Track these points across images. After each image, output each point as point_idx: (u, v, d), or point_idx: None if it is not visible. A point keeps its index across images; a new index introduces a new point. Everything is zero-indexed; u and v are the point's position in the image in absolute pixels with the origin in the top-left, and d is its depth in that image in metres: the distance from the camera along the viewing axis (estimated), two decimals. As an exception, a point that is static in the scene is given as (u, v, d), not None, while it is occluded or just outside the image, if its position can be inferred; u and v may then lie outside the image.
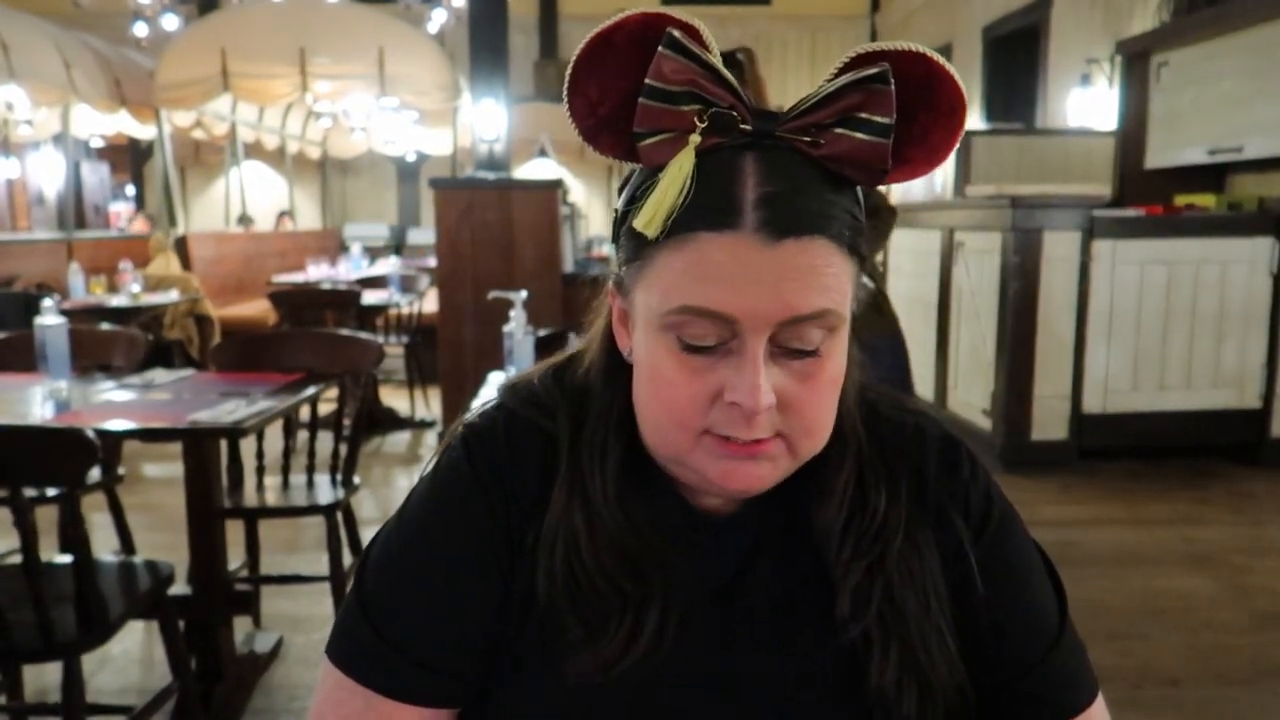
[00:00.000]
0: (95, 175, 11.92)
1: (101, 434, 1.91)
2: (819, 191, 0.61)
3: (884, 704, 0.67)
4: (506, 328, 2.22)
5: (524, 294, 2.24)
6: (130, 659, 2.48)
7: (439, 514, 0.72)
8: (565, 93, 0.64)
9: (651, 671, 0.67)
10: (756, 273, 0.60)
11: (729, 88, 0.61)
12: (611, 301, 0.72)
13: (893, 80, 0.60)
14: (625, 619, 0.67)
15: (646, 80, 0.60)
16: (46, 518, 2.38)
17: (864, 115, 0.60)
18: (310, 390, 2.26)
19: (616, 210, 0.69)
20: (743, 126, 0.61)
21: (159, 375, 2.48)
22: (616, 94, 0.63)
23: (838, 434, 0.70)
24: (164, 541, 2.92)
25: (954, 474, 0.74)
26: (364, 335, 2.78)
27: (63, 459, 1.55)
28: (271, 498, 2.55)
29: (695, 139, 0.61)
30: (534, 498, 0.71)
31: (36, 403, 2.16)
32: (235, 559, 2.53)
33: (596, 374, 0.74)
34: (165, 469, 4.22)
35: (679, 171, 0.60)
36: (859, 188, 0.66)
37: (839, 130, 0.61)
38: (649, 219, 0.61)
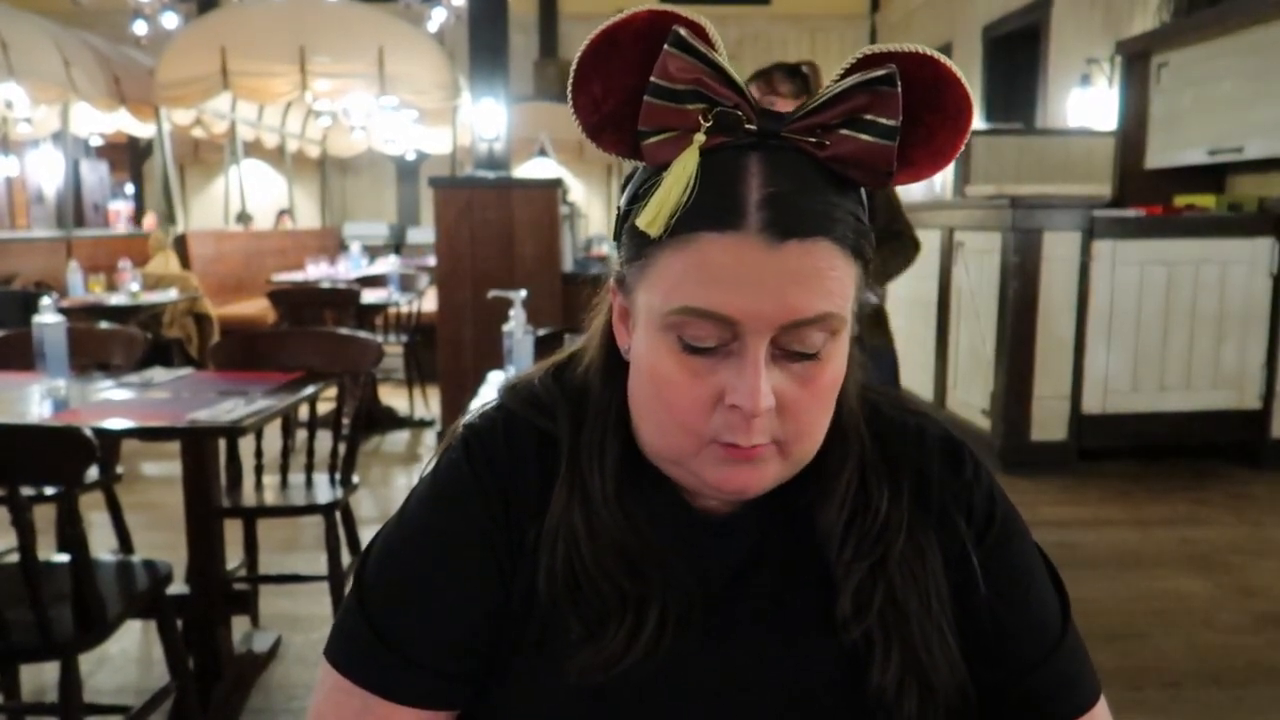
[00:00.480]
0: (95, 173, 11.91)
1: (99, 433, 1.91)
2: (823, 193, 0.61)
3: (884, 704, 0.67)
4: (506, 327, 2.21)
5: (523, 293, 2.23)
6: (128, 658, 2.47)
7: (439, 515, 0.71)
8: (570, 89, 0.63)
9: (652, 671, 0.67)
10: (759, 274, 0.59)
11: (734, 87, 0.60)
12: (612, 299, 0.72)
13: (900, 82, 0.60)
14: (625, 618, 0.67)
15: (652, 78, 0.60)
16: (45, 517, 2.37)
17: (870, 117, 0.60)
18: (309, 389, 2.25)
19: (619, 208, 0.68)
20: (748, 126, 0.61)
21: (158, 374, 2.47)
22: (621, 91, 0.63)
23: (840, 435, 0.70)
24: (163, 541, 2.91)
25: (957, 475, 0.73)
26: (363, 334, 2.77)
27: (60, 458, 1.54)
28: (270, 497, 2.55)
29: (700, 138, 0.60)
30: (534, 498, 0.71)
31: (35, 401, 2.15)
32: (234, 558, 2.53)
33: (595, 372, 0.73)
34: (164, 468, 4.22)
35: (683, 171, 0.60)
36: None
37: (844, 131, 0.60)
38: (652, 218, 0.61)
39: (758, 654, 0.69)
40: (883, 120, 0.60)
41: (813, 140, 0.61)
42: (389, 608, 0.70)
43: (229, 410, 2.01)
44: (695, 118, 0.60)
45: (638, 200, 0.63)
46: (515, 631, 0.70)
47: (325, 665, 0.71)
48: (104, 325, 3.13)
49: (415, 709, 0.69)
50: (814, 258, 0.60)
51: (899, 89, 0.59)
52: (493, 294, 2.38)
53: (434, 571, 0.70)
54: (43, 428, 1.72)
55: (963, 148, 0.64)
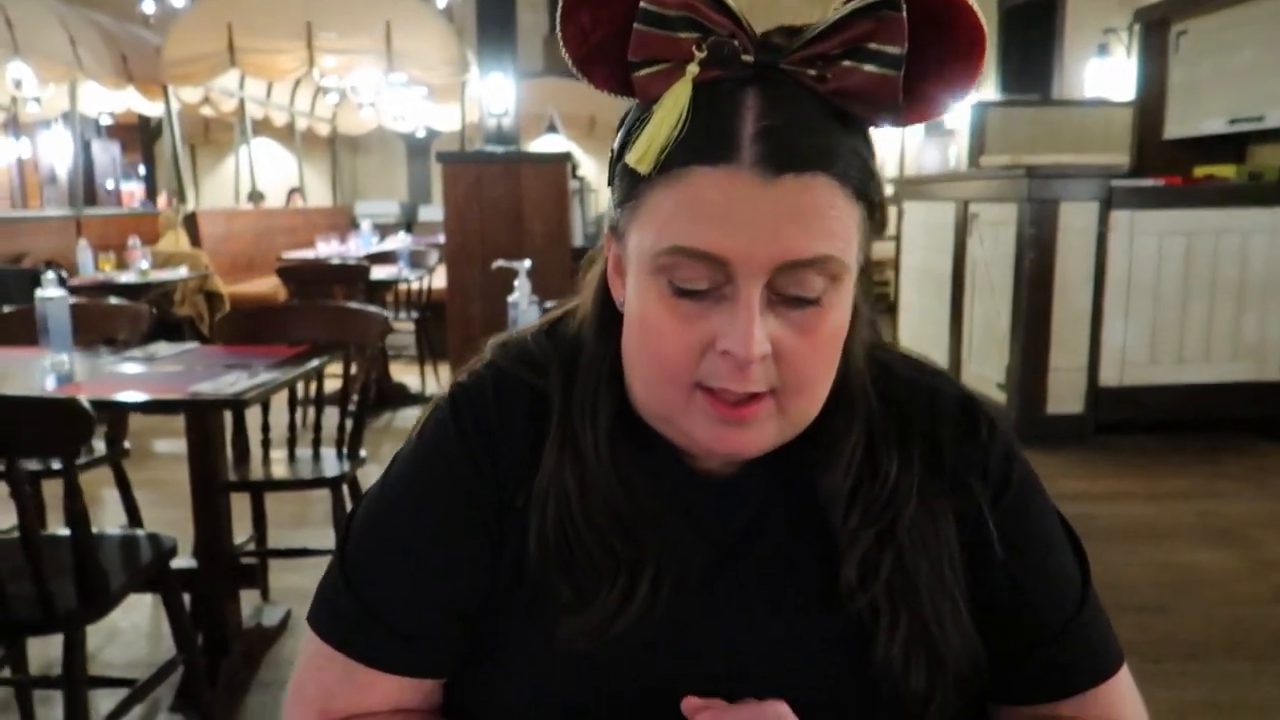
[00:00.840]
0: (106, 154, 11.94)
1: (104, 406, 1.89)
2: (824, 127, 0.57)
3: (891, 676, 0.64)
4: (511, 298, 2.19)
5: (527, 263, 2.20)
6: (139, 633, 2.48)
7: (424, 478, 0.69)
8: (558, 19, 0.60)
9: (645, 638, 0.64)
10: (752, 211, 0.56)
11: (729, 14, 0.57)
12: (607, 249, 0.68)
13: (905, 8, 0.56)
14: (617, 582, 0.64)
15: (641, 4, 0.56)
16: (54, 493, 2.37)
17: (874, 46, 0.56)
18: (314, 362, 2.23)
19: (613, 149, 0.65)
20: (744, 58, 0.57)
21: (162, 348, 2.46)
22: (610, 20, 0.59)
23: (845, 395, 0.67)
24: (172, 517, 2.90)
25: (972, 436, 0.70)
26: (369, 308, 2.74)
27: (58, 429, 1.52)
28: (277, 471, 2.53)
29: (693, 69, 0.57)
30: (525, 457, 0.68)
31: (39, 375, 2.14)
32: (243, 533, 2.52)
33: (589, 327, 0.70)
34: (174, 445, 4.21)
35: (674, 104, 0.57)
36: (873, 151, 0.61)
37: (847, 63, 0.57)
38: (641, 154, 0.57)
39: (758, 622, 0.66)
40: (888, 49, 0.56)
41: (814, 73, 0.57)
42: (372, 573, 0.67)
43: (232, 383, 1.99)
44: (688, 48, 0.57)
45: (630, 137, 0.60)
46: (504, 596, 0.67)
47: (308, 631, 0.69)
48: (112, 301, 3.11)
49: (398, 676, 0.67)
50: (812, 194, 0.56)
51: (904, 13, 0.56)
52: (498, 264, 2.35)
53: (418, 535, 0.67)
54: (40, 399, 1.70)
55: (976, 81, 0.60)
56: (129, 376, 2.14)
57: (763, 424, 0.61)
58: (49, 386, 2.04)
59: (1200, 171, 4.46)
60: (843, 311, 0.61)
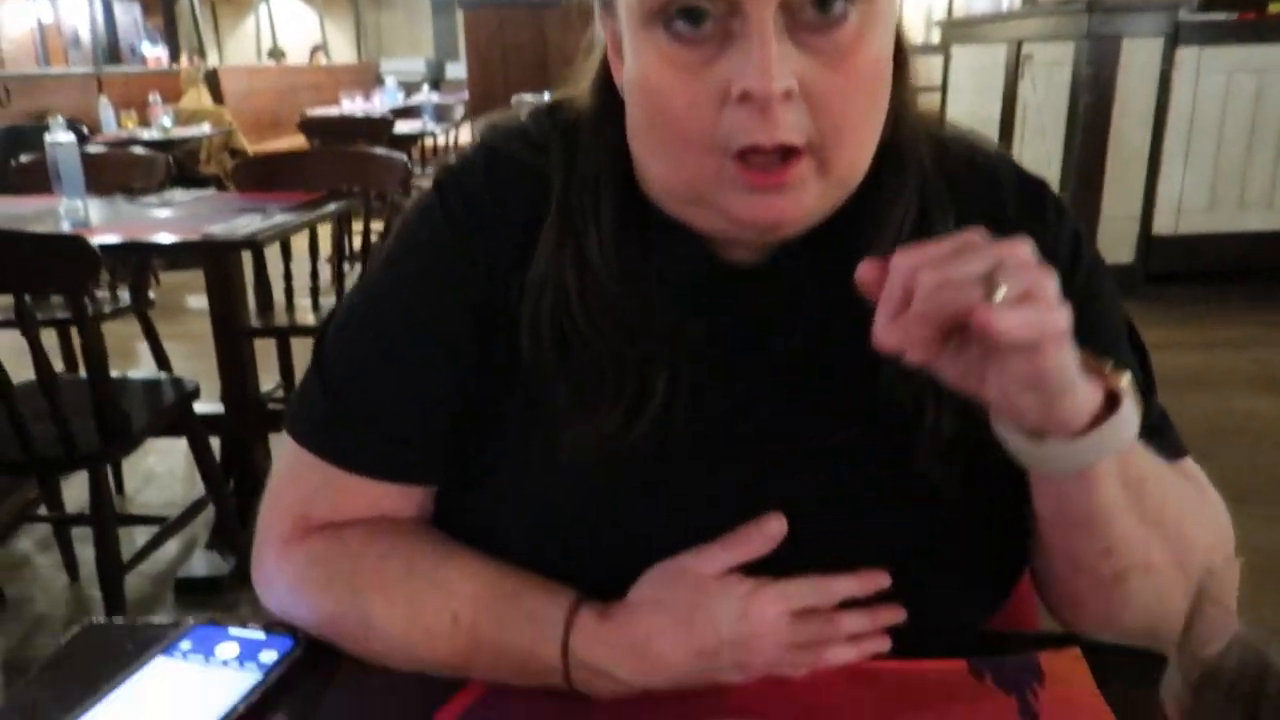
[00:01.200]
0: (128, 15, 11.68)
1: (117, 249, 1.85)
2: None
3: (935, 469, 0.57)
4: (532, 133, 2.08)
5: (547, 95, 2.08)
6: (174, 477, 2.53)
7: (407, 269, 0.62)
8: None
9: (660, 445, 0.57)
10: None
11: None
12: (605, 31, 0.59)
13: None
14: (626, 384, 0.57)
15: None
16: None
17: None
18: (330, 206, 2.17)
19: None
20: None
21: (178, 195, 2.41)
22: None
23: (893, 155, 0.57)
24: (201, 367, 2.89)
25: (1039, 217, 0.61)
26: (391, 153, 2.64)
27: (63, 266, 1.48)
28: (301, 318, 2.50)
29: None
30: (519, 244, 0.60)
31: (53, 221, 2.10)
32: (271, 382, 2.51)
33: (590, 115, 0.61)
34: (204, 300, 4.22)
35: None
36: None
37: None
38: None
39: (786, 424, 0.59)
40: None
41: None
42: (349, 372, 0.62)
43: (246, 225, 1.94)
44: None
45: None
46: (498, 399, 0.60)
47: (287, 439, 0.63)
48: (131, 150, 3.05)
49: (379, 481, 0.61)
50: None
51: None
52: (518, 98, 2.23)
53: (399, 329, 0.61)
54: (43, 235, 1.66)
55: None
56: (143, 221, 2.09)
57: (803, 187, 0.52)
58: (64, 231, 2.00)
59: (1276, 7, 4.13)
60: (880, 38, 0.52)
